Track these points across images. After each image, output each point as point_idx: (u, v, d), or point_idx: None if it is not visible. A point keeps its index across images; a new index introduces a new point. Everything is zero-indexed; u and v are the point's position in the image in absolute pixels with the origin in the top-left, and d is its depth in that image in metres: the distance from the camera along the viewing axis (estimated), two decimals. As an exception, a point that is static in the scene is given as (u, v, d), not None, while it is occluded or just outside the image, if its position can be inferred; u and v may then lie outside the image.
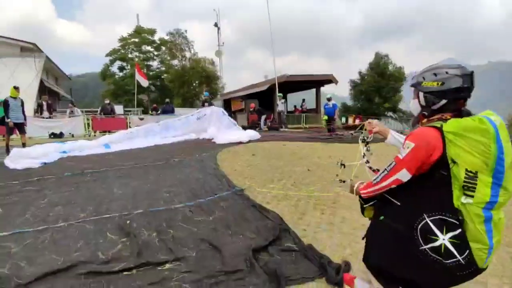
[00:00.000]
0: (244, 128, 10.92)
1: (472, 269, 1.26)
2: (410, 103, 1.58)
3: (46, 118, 13.09)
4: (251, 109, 16.10)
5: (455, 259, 1.23)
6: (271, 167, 5.60)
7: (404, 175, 1.33)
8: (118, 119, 14.36)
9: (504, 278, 2.30)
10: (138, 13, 32.25)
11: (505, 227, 1.34)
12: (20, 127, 7.75)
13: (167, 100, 18.66)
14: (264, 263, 2.37)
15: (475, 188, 1.23)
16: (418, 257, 1.28)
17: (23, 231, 2.96)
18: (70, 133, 12.96)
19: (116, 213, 3.33)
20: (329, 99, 13.03)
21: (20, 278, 2.16)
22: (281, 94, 16.96)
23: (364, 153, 1.81)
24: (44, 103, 13.42)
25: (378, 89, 19.87)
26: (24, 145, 7.53)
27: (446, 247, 1.24)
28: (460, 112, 1.37)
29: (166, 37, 29.49)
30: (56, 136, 12.16)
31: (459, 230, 1.24)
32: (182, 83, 24.40)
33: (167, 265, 2.35)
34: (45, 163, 5.86)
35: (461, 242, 1.23)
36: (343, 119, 19.21)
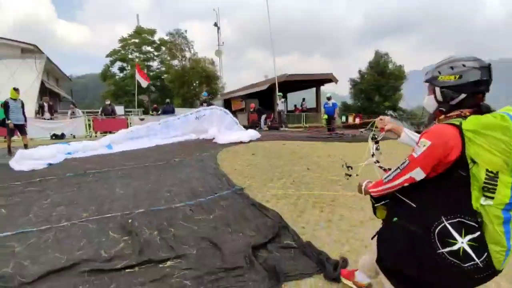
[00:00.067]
0: (245, 127, 10.96)
1: (490, 272, 1.22)
2: (424, 99, 1.50)
3: (48, 119, 13.16)
4: (251, 110, 16.17)
5: (473, 262, 1.19)
6: (271, 166, 5.64)
7: (418, 174, 1.27)
8: (119, 119, 14.42)
9: None
10: (138, 14, 32.34)
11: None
12: (21, 128, 7.81)
13: (167, 100, 18.72)
14: (263, 259, 2.42)
15: (495, 189, 1.17)
16: (435, 261, 1.23)
17: (26, 230, 3.01)
18: (71, 134, 13.03)
19: (118, 212, 3.38)
20: (328, 98, 13.08)
21: (23, 276, 2.21)
22: (281, 94, 17.01)
23: (373, 152, 1.73)
24: (45, 104, 13.49)
25: (378, 88, 19.90)
26: (26, 146, 7.59)
27: (464, 250, 1.19)
28: (480, 108, 1.29)
29: (166, 38, 29.56)
30: (58, 137, 12.23)
31: (478, 233, 1.19)
32: (182, 83, 24.46)
33: (168, 263, 2.40)
34: (50, 164, 5.89)
35: (480, 245, 1.19)
36: (343, 118, 19.24)
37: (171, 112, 15.19)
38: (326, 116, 13.04)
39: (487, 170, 1.17)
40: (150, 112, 17.76)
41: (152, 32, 30.99)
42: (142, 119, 14.45)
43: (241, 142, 7.93)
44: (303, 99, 23.21)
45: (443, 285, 1.27)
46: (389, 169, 1.51)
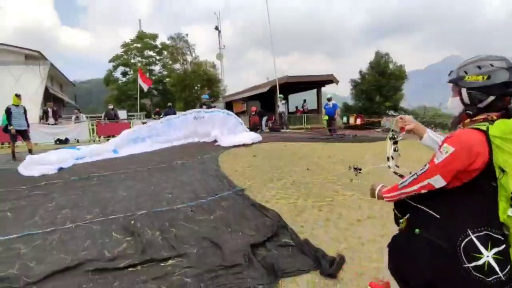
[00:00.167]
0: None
1: (510, 285, 1.17)
2: (448, 101, 1.41)
3: (52, 124, 13.34)
4: (252, 113, 16.28)
5: (496, 276, 1.14)
6: (271, 168, 5.70)
7: (437, 181, 1.21)
8: (121, 124, 14.58)
9: None
10: (140, 19, 32.68)
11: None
12: (24, 134, 7.96)
13: (169, 104, 18.86)
14: (262, 257, 2.48)
15: None
16: (460, 276, 1.17)
17: (32, 233, 3.10)
18: (75, 139, 13.20)
19: (121, 214, 3.47)
20: (329, 99, 13.13)
21: (28, 277, 2.29)
22: (281, 96, 17.10)
23: (391, 155, 1.62)
24: (50, 110, 13.69)
25: (378, 88, 19.88)
26: (30, 151, 7.73)
27: (489, 264, 1.14)
28: (508, 111, 1.22)
29: (168, 42, 29.86)
30: (62, 142, 12.39)
31: (504, 246, 1.15)
32: (184, 87, 24.63)
33: (170, 261, 2.47)
34: (61, 169, 5.91)
35: (504, 258, 1.15)
36: (345, 119, 19.26)
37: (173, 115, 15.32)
38: (326, 117, 13.09)
39: None
40: (153, 116, 17.92)
41: (154, 36, 31.32)
42: (144, 123, 14.59)
43: (243, 145, 7.98)
44: (304, 101, 23.29)
45: None
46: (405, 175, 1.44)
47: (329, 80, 21.01)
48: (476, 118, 1.26)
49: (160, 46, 31.13)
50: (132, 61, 30.94)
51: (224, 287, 2.14)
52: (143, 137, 8.68)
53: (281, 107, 16.42)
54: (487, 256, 1.14)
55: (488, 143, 1.13)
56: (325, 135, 12.08)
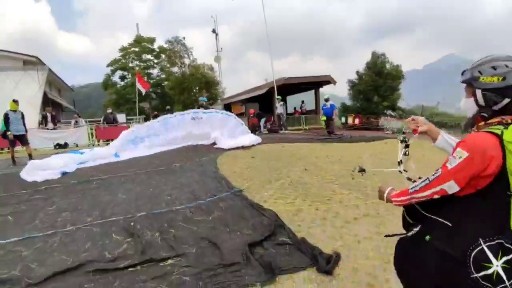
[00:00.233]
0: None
1: None
2: (461, 102, 1.35)
3: (51, 129, 13.37)
4: (251, 115, 16.36)
5: (503, 285, 1.12)
6: (269, 168, 5.76)
7: (451, 187, 1.16)
8: (120, 127, 14.60)
9: None
10: (137, 23, 32.81)
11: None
12: (22, 138, 8.01)
13: (168, 107, 18.95)
14: (260, 256, 2.53)
15: None
16: (468, 285, 1.15)
17: (33, 236, 3.15)
18: (74, 143, 13.22)
19: (121, 216, 3.52)
20: (326, 100, 13.22)
21: (30, 278, 2.34)
22: (279, 97, 17.18)
23: (401, 160, 1.55)
24: (49, 115, 13.73)
25: (376, 88, 20.00)
26: (30, 155, 7.77)
27: (498, 274, 1.11)
28: None
29: (165, 45, 29.98)
30: (61, 147, 12.41)
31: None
32: (182, 90, 24.66)
33: (169, 261, 2.52)
34: (64, 173, 5.88)
35: (511, 266, 1.12)
36: (343, 119, 19.34)
37: (172, 118, 15.37)
38: (324, 118, 13.16)
39: None
40: (151, 119, 17.95)
41: (152, 40, 31.39)
42: (143, 126, 14.64)
43: (242, 147, 8.00)
44: (302, 102, 23.37)
45: None
46: (417, 179, 1.40)
47: (327, 80, 21.12)
48: (491, 121, 1.23)
49: (157, 50, 31.20)
50: (130, 65, 30.98)
51: (222, 284, 2.18)
52: (142, 136, 8.66)
53: (279, 108, 16.50)
54: (497, 265, 1.12)
55: (502, 147, 1.11)
56: (323, 136, 12.15)
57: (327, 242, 2.84)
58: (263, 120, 16.59)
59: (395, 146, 1.52)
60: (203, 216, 3.49)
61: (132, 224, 3.26)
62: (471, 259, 1.14)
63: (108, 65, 31.24)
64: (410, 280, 1.39)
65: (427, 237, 1.27)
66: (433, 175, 1.22)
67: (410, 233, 1.40)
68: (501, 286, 1.12)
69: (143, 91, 17.82)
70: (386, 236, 1.64)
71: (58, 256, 2.69)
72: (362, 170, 1.76)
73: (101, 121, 15.05)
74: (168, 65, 28.53)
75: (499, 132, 1.13)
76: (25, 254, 2.79)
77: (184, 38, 26.08)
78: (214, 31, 24.83)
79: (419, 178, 1.39)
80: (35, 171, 5.75)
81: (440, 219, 1.24)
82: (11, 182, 5.47)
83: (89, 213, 3.72)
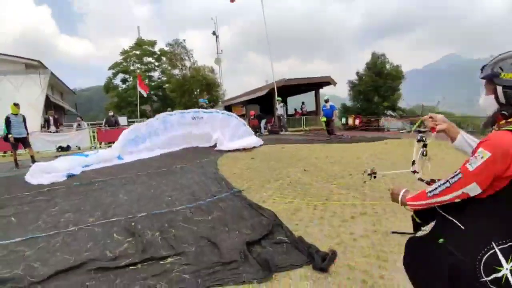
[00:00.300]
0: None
1: None
2: (480, 99, 1.31)
3: (53, 132, 13.50)
4: (251, 116, 16.45)
5: None
6: (269, 169, 5.81)
7: (473, 190, 1.12)
8: (122, 130, 14.71)
9: None
10: (138, 26, 33.01)
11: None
12: (24, 141, 8.12)
13: (169, 109, 19.02)
14: (257, 254, 2.59)
15: None
16: None
17: (36, 236, 3.21)
18: (76, 146, 13.33)
19: (122, 217, 3.58)
20: (326, 101, 13.26)
21: (33, 277, 2.39)
22: (279, 98, 17.26)
23: (415, 160, 1.48)
24: (51, 118, 13.88)
25: (376, 89, 20.07)
26: (32, 157, 7.88)
27: (507, 277, 1.09)
28: None
29: (166, 48, 30.17)
30: (64, 150, 12.52)
31: None
32: (183, 92, 24.79)
33: (169, 259, 2.58)
34: (70, 176, 5.92)
35: None
36: (343, 120, 19.39)
37: (173, 120, 15.45)
38: (324, 119, 13.21)
39: None
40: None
41: (153, 43, 31.60)
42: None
43: (242, 148, 8.00)
44: (303, 103, 23.45)
45: None
46: (432, 181, 1.35)
47: (327, 81, 21.20)
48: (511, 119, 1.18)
49: (158, 53, 31.40)
50: (132, 68, 31.19)
51: (220, 282, 2.24)
52: (143, 136, 8.65)
53: (279, 109, 16.58)
54: (507, 269, 1.09)
55: None
56: (323, 136, 12.19)
57: (324, 240, 2.89)
58: (263, 122, 16.66)
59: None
60: (203, 216, 3.55)
61: (133, 224, 3.33)
62: (482, 263, 1.11)
63: (109, 68, 31.49)
64: (419, 280, 1.36)
65: (441, 240, 1.23)
66: (453, 177, 1.16)
67: (420, 233, 1.36)
68: None
69: (145, 94, 17.95)
70: (393, 232, 1.65)
71: (60, 256, 2.75)
72: (373, 173, 1.65)
73: (103, 124, 15.17)
74: (169, 68, 28.70)
75: None
76: (28, 254, 2.85)
77: (184, 40, 26.25)
78: (214, 33, 24.94)
79: (432, 179, 1.34)
80: (41, 174, 5.80)
81: (454, 220, 1.20)
82: (14, 185, 5.55)
83: (91, 213, 3.80)
